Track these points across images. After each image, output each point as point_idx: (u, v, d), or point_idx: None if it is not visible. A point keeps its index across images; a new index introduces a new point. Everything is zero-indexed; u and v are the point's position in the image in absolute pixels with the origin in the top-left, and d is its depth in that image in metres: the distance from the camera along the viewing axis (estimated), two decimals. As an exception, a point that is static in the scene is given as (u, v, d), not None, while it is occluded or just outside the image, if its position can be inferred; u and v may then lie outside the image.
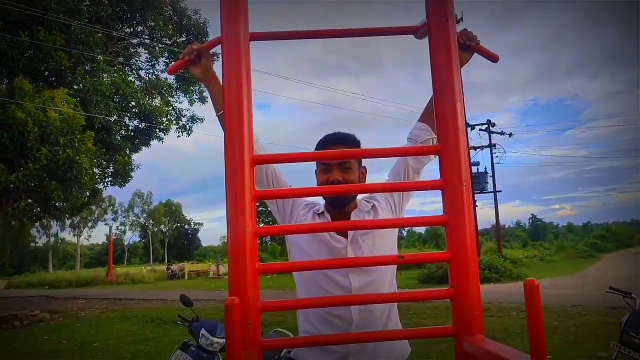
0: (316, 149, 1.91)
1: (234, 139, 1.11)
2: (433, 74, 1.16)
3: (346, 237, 1.84)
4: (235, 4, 1.16)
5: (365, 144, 1.97)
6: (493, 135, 25.89)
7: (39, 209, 11.41)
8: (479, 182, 24.64)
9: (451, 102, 1.13)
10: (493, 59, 1.48)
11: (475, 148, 24.88)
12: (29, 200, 10.88)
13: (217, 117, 1.76)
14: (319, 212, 1.91)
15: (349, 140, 1.92)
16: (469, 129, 23.19)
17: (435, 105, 1.16)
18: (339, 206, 1.89)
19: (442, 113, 1.14)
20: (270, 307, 1.13)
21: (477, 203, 22.38)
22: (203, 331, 3.78)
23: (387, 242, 1.89)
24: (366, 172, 1.96)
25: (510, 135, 26.95)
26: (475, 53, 1.51)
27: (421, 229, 55.35)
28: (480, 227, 22.72)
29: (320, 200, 1.98)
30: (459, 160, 1.11)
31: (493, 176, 25.88)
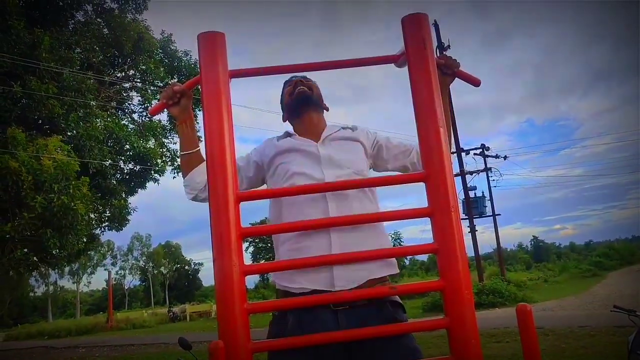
0: (283, 88, 2.03)
1: (217, 177, 1.10)
2: (414, 101, 1.16)
3: (317, 141, 1.86)
4: (213, 42, 1.17)
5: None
6: (488, 159, 26.01)
7: (35, 258, 11.30)
8: (477, 206, 24.58)
9: (434, 128, 1.13)
10: (474, 83, 1.49)
11: (471, 173, 24.92)
12: (25, 250, 10.78)
13: (180, 157, 1.79)
14: (281, 135, 1.95)
15: (308, 77, 2.02)
16: (463, 154, 23.26)
17: (419, 132, 1.15)
18: (302, 102, 1.93)
19: (425, 139, 1.13)
20: (263, 347, 1.10)
21: (477, 228, 22.27)
22: (203, 374, 3.70)
23: (358, 149, 1.89)
24: (327, 109, 2.04)
25: (505, 158, 27.05)
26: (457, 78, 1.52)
27: (423, 257, 55.08)
28: (481, 252, 22.58)
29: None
30: (445, 186, 1.10)
31: (491, 200, 25.87)
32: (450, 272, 1.07)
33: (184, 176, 1.83)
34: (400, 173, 1.93)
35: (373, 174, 1.97)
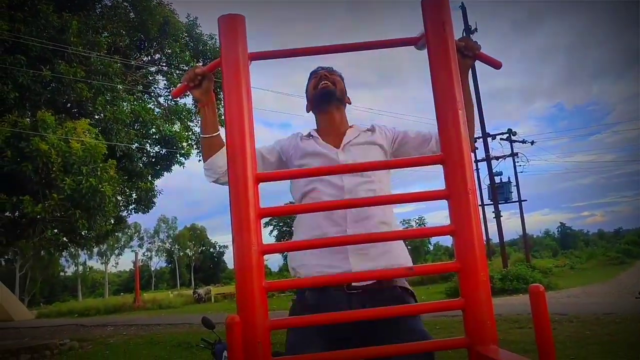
0: (309, 78, 2.12)
1: (237, 158, 1.12)
2: (433, 84, 1.16)
3: (338, 148, 1.96)
4: (232, 25, 1.18)
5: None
6: (515, 144, 25.64)
7: (65, 239, 11.58)
8: (502, 192, 24.29)
9: (452, 111, 1.13)
10: (495, 65, 1.48)
11: (497, 158, 24.60)
12: (55, 230, 11.05)
13: (201, 140, 1.86)
14: (305, 134, 2.06)
15: (334, 68, 2.12)
16: (489, 139, 22.96)
17: (437, 114, 1.15)
18: (326, 97, 2.02)
19: (443, 122, 1.13)
20: (280, 324, 1.12)
21: (502, 213, 22.04)
22: (226, 353, 3.77)
23: (377, 154, 1.96)
24: (349, 102, 2.13)
25: (532, 143, 26.63)
26: (478, 60, 1.51)
27: (448, 242, 54.84)
28: (507, 238, 22.39)
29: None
30: (463, 168, 1.10)
31: (517, 185, 25.53)
32: (466, 254, 1.07)
33: (204, 160, 1.87)
34: None
35: (393, 170, 2.04)
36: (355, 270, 1.74)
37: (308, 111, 2.13)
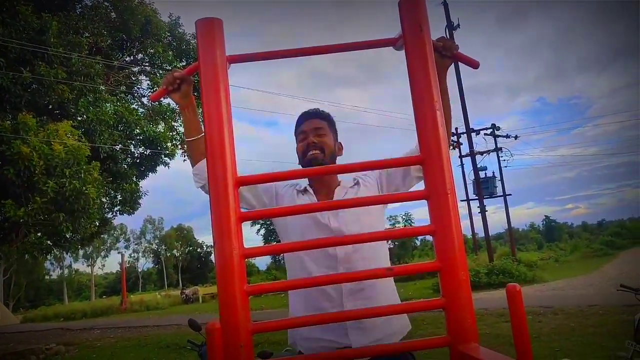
0: (295, 126, 2.08)
1: (216, 162, 1.12)
2: (411, 85, 1.17)
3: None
4: (210, 29, 1.18)
5: (373, 155, 2.06)
6: (499, 139, 25.85)
7: (49, 242, 11.47)
8: (487, 186, 24.50)
9: (431, 112, 1.13)
10: (473, 65, 1.49)
11: (481, 153, 24.79)
12: (39, 234, 10.94)
13: (186, 144, 1.85)
14: (301, 189, 2.02)
15: (322, 115, 2.06)
16: (473, 134, 23.12)
17: (415, 115, 1.16)
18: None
19: (422, 122, 1.14)
20: (262, 328, 1.12)
21: (487, 208, 22.23)
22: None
23: (371, 211, 1.94)
24: (342, 148, 2.10)
25: (515, 137, 26.85)
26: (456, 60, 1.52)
27: (429, 239, 55.11)
28: (493, 232, 22.59)
29: (303, 182, 2.09)
30: (442, 169, 1.11)
31: (502, 180, 25.75)
32: (446, 253, 1.08)
33: (192, 164, 1.86)
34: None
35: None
36: (355, 346, 1.75)
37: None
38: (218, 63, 1.16)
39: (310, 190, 2.01)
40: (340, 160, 2.09)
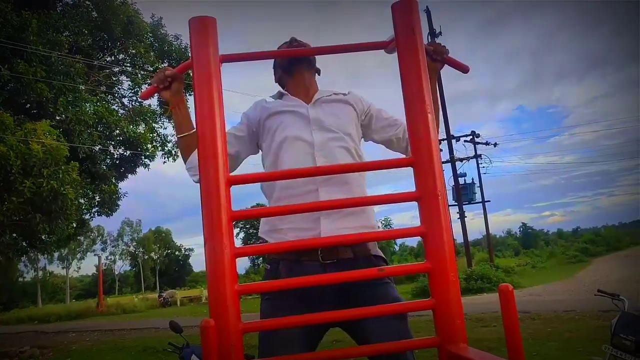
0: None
1: (208, 160, 1.12)
2: (403, 88, 1.18)
3: (308, 103, 1.91)
4: (204, 27, 1.18)
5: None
6: (479, 146, 26.14)
7: (24, 243, 11.26)
8: (466, 193, 24.73)
9: (422, 114, 1.15)
10: (463, 69, 1.51)
11: (461, 159, 25.04)
12: (14, 235, 10.73)
13: (178, 141, 1.81)
14: (273, 95, 2.00)
15: (301, 43, 1.97)
16: (453, 140, 23.35)
17: (407, 117, 1.17)
18: (298, 59, 1.94)
19: (413, 125, 1.15)
20: (252, 327, 1.12)
21: (466, 214, 22.46)
22: (194, 357, 3.73)
23: (348, 112, 1.93)
24: (319, 72, 2.04)
25: (495, 145, 27.18)
26: (446, 64, 1.54)
27: (413, 243, 55.54)
28: (471, 238, 22.82)
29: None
30: (432, 171, 1.12)
31: (481, 186, 26.05)
32: (436, 254, 1.09)
33: (185, 159, 1.83)
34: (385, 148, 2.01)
35: (363, 142, 2.02)
36: (324, 234, 1.70)
37: (276, 81, 2.07)
38: (211, 62, 1.16)
39: (284, 92, 1.98)
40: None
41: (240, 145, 1.92)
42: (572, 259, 33.74)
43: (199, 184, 1.86)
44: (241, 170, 2.01)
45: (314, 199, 1.71)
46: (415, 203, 1.14)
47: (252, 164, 2.11)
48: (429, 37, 21.28)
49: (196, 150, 1.78)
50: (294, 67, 1.95)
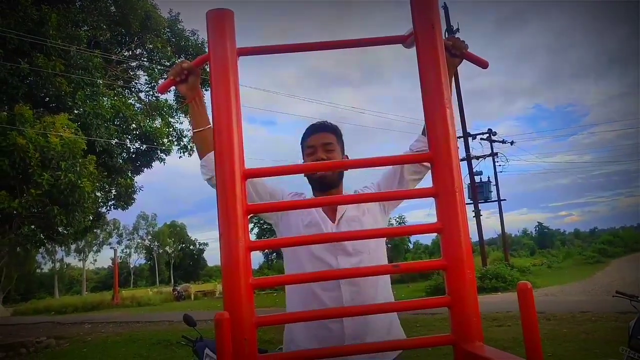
0: (302, 138, 2.07)
1: (224, 154, 1.11)
2: (422, 83, 1.16)
3: (333, 221, 1.94)
4: (221, 20, 1.17)
5: (370, 155, 2.00)
6: (495, 144, 25.91)
7: (42, 235, 11.40)
8: (482, 191, 24.54)
9: (441, 110, 1.13)
10: (482, 65, 1.49)
11: (477, 157, 24.83)
12: (32, 226, 10.87)
13: (193, 135, 1.83)
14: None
15: (330, 128, 2.04)
16: (470, 138, 23.17)
17: (425, 112, 1.15)
18: (325, 186, 1.97)
19: (432, 121, 1.14)
20: (266, 321, 1.12)
21: (482, 213, 22.29)
22: (207, 350, 3.75)
23: (372, 221, 1.95)
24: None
25: (512, 143, 26.92)
26: (464, 59, 1.52)
27: (427, 241, 55.33)
28: (486, 237, 22.67)
29: (307, 194, 2.06)
30: (450, 167, 1.10)
31: (497, 185, 25.83)
32: (453, 251, 1.08)
33: (200, 156, 1.84)
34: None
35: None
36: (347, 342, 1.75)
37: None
38: (228, 55, 1.15)
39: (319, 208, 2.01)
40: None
41: (263, 197, 1.95)
42: (589, 259, 33.31)
43: (208, 182, 1.88)
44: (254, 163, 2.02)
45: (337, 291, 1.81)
46: (427, 200, 1.13)
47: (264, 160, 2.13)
48: (446, 33, 21.12)
49: (213, 151, 1.80)
50: (324, 190, 1.99)
